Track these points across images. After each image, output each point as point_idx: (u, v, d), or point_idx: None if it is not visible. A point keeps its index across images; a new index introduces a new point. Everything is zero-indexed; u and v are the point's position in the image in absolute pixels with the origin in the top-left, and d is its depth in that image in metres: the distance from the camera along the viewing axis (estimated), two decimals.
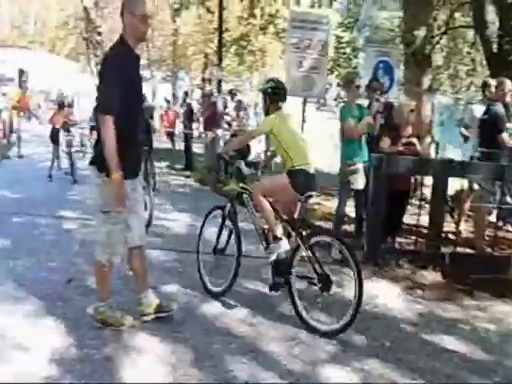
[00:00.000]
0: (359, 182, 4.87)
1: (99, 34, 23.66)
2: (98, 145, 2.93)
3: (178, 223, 6.26)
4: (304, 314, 3.39)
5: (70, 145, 10.01)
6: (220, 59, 9.90)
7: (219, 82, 9.67)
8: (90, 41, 23.84)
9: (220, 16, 10.27)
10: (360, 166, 4.92)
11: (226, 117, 9.55)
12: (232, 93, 10.95)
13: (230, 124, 9.31)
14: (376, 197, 4.72)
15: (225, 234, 3.96)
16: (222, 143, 9.45)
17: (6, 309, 3.38)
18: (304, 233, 3.57)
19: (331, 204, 7.74)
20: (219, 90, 9.63)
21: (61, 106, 12.09)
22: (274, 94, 3.83)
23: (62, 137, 10.09)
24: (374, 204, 4.74)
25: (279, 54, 17.01)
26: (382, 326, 3.56)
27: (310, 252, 3.37)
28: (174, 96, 26.32)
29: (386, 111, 5.35)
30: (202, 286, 3.97)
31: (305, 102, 7.37)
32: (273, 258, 3.59)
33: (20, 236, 5.20)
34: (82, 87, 37.66)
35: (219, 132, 9.32)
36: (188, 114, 10.99)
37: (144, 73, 39.73)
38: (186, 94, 11.54)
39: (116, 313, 3.22)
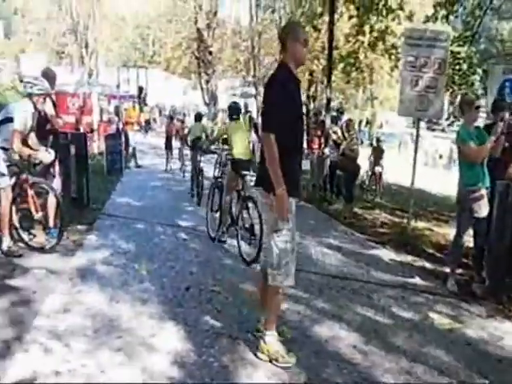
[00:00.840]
0: (483, 209, 4.55)
1: (210, 53, 25.09)
2: (262, 165, 3.04)
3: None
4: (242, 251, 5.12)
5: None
6: (329, 77, 9.91)
7: (328, 101, 9.68)
8: (202, 60, 25.31)
9: (331, 33, 10.30)
10: (484, 192, 4.61)
11: (333, 135, 9.52)
12: (339, 111, 10.91)
13: (336, 143, 9.27)
14: (501, 226, 4.40)
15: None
16: (328, 162, 9.46)
17: (135, 310, 3.68)
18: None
19: (443, 230, 7.37)
20: (328, 109, 9.64)
21: (171, 118, 13.83)
22: (230, 110, 6.12)
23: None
24: (498, 234, 4.41)
25: (387, 71, 16.63)
26: (508, 369, 3.28)
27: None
28: None
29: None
30: (313, 307, 3.99)
31: (418, 122, 7.10)
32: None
33: (142, 242, 5.62)
34: (192, 102, 40.38)
35: (326, 151, 9.32)
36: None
37: (250, 89, 41.29)
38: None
39: (281, 347, 3.11)
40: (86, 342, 3.13)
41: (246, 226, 5.43)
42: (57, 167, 5.26)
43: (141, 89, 34.54)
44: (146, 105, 32.31)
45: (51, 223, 5.22)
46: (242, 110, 12.36)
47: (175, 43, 25.32)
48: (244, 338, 3.36)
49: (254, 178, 3.36)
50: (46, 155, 4.69)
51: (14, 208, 4.66)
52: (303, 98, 28.47)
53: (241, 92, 45.73)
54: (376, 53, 13.50)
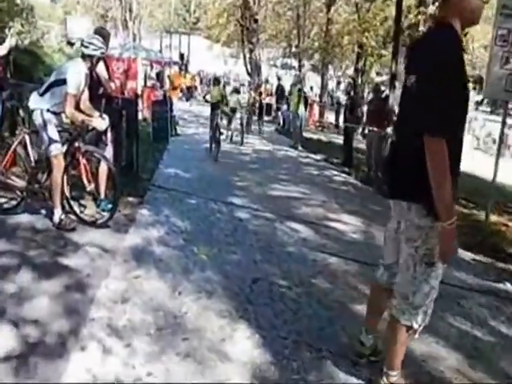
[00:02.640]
0: None
1: (256, 21, 24.06)
2: (412, 173, 2.17)
3: (351, 227, 5.74)
4: None
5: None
6: (397, 48, 9.01)
7: (394, 76, 8.82)
8: (247, 28, 24.33)
9: (399, 3, 9.36)
10: None
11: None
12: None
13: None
14: None
15: None
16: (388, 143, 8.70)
17: (201, 304, 3.22)
18: None
19: None
20: (392, 85, 8.80)
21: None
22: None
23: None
24: None
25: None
26: None
27: None
28: (323, 87, 25.92)
29: None
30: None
31: (506, 105, 6.26)
32: None
33: (197, 221, 5.16)
34: (234, 71, 39.62)
35: (389, 131, 8.55)
36: (350, 108, 10.38)
37: (291, 61, 40.05)
38: (352, 87, 10.84)
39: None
40: (149, 343, 2.69)
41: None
42: (109, 134, 4.80)
43: (182, 56, 34.06)
44: (187, 72, 31.82)
45: (102, 194, 4.82)
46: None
47: (220, 10, 24.37)
48: (328, 350, 2.84)
49: None
50: (100, 122, 4.22)
51: (65, 177, 4.24)
52: (351, 71, 27.37)
53: (281, 63, 44.63)
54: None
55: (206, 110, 15.01)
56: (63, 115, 4.12)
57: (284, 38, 28.74)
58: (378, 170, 9.09)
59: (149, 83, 18.10)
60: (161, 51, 29.13)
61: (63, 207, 4.35)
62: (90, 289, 3.22)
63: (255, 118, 22.06)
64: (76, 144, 4.18)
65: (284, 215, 5.86)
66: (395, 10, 9.41)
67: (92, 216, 4.61)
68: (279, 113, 18.70)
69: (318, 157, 11.85)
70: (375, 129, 9.35)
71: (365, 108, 24.68)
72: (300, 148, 12.88)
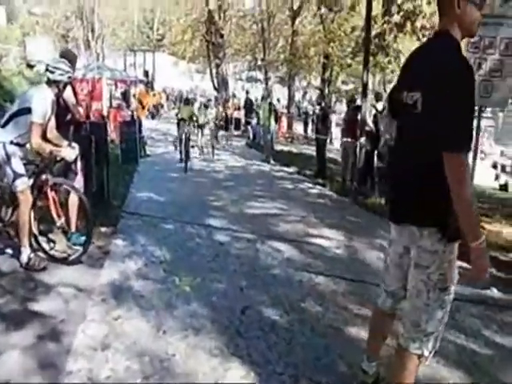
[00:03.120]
0: None
1: (221, 36, 24.11)
2: (424, 195, 2.05)
3: (333, 243, 5.62)
4: None
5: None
6: (367, 58, 9.00)
7: (365, 85, 8.83)
8: (212, 43, 24.33)
9: (369, 6, 9.37)
10: None
11: (368, 125, 8.74)
12: (376, 98, 10.01)
13: (370, 133, 8.53)
14: None
15: None
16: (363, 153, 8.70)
17: (188, 343, 2.99)
18: None
19: (500, 227, 6.66)
20: (364, 94, 8.81)
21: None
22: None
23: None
24: None
25: None
26: None
27: None
28: (290, 98, 26.05)
29: None
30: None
31: (479, 111, 6.32)
32: None
33: (175, 248, 4.92)
34: (200, 87, 39.48)
35: (362, 140, 8.55)
36: (322, 118, 10.35)
37: (256, 74, 40.23)
38: (322, 97, 10.82)
39: None
40: None
41: None
42: (79, 163, 4.54)
43: (147, 73, 33.70)
44: (152, 89, 31.44)
45: (73, 227, 4.54)
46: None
47: (184, 26, 24.31)
48: (328, 383, 2.68)
49: None
50: (69, 151, 3.96)
51: (32, 212, 3.95)
52: (317, 82, 27.66)
53: (246, 76, 44.78)
54: (403, 34, 12.64)
55: (174, 128, 14.82)
56: (28, 146, 3.84)
57: (249, 52, 28.81)
58: (354, 179, 9.07)
59: (114, 103, 17.73)
60: (125, 70, 28.74)
61: (31, 245, 4.05)
62: (65, 336, 2.95)
63: (224, 132, 22.03)
64: (43, 176, 3.91)
65: (264, 234, 5.70)
66: (365, 20, 9.47)
67: (63, 252, 4.32)
68: (249, 127, 18.63)
69: (291, 169, 11.79)
70: (349, 139, 9.36)
71: (333, 118, 25.03)
72: (272, 161, 12.79)
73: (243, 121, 21.20)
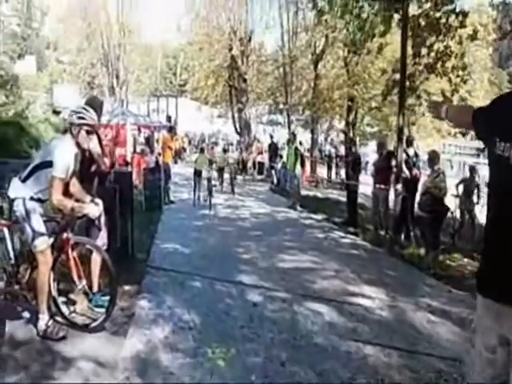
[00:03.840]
0: None
1: (244, 80, 24.38)
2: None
3: (376, 303, 5.11)
4: None
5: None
6: (402, 101, 8.67)
7: (401, 130, 8.49)
8: (235, 87, 24.59)
9: (403, 48, 9.12)
10: None
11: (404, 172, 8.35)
12: (407, 141, 9.63)
13: (404, 181, 8.16)
14: None
15: None
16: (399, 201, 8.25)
17: None
18: None
19: None
20: (400, 139, 8.45)
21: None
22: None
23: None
24: None
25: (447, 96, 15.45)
26: None
27: None
28: (313, 141, 25.89)
29: None
30: None
31: None
32: None
33: (205, 310, 4.48)
34: (222, 131, 39.92)
35: (399, 188, 8.10)
36: (353, 164, 9.99)
37: (277, 117, 40.47)
38: (353, 142, 10.47)
39: None
40: None
41: None
42: (103, 218, 4.20)
43: (169, 118, 34.25)
44: (175, 134, 31.79)
45: (95, 287, 4.17)
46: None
47: (208, 71, 24.68)
48: None
49: None
50: (93, 208, 3.62)
51: (51, 274, 3.60)
52: (341, 125, 27.54)
53: (267, 119, 45.18)
54: (435, 76, 12.30)
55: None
56: (49, 203, 3.53)
57: (271, 96, 29.01)
58: (388, 228, 8.57)
59: (138, 149, 17.78)
60: (148, 115, 29.23)
61: (49, 308, 3.68)
62: None
63: (248, 177, 21.86)
64: (64, 235, 3.57)
65: (300, 293, 5.22)
66: (400, 62, 9.22)
67: (84, 315, 3.93)
68: (273, 171, 18.37)
69: (319, 217, 11.34)
70: (382, 186, 8.94)
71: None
72: (299, 208, 12.37)
73: (267, 165, 21.01)
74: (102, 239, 4.19)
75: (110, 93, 35.01)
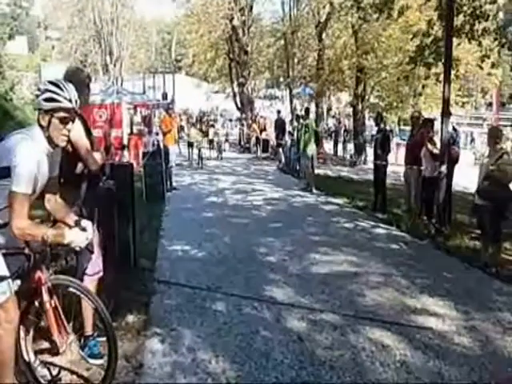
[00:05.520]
0: None
1: (246, 53, 22.88)
2: None
3: (448, 324, 4.02)
4: None
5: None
6: (449, 69, 7.38)
7: (447, 101, 7.21)
8: (237, 61, 23.10)
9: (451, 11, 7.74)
10: None
11: (429, 146, 7.17)
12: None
13: (433, 155, 7.01)
14: None
15: None
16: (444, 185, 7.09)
17: None
18: None
19: None
20: (444, 113, 7.17)
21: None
22: None
23: None
24: None
25: (476, 63, 14.08)
26: None
27: None
28: (317, 116, 24.49)
29: None
30: None
31: None
32: None
33: (236, 350, 3.37)
34: (220, 107, 38.41)
35: (443, 169, 6.93)
36: (382, 142, 8.77)
37: (274, 91, 38.96)
38: (381, 117, 9.20)
39: None
40: None
41: None
42: (95, 238, 3.03)
43: (166, 95, 32.71)
44: (174, 112, 30.31)
45: (88, 329, 3.05)
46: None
47: (206, 44, 23.10)
48: None
49: None
50: (76, 235, 2.40)
51: (22, 331, 2.46)
52: (349, 97, 26.08)
53: (264, 94, 43.48)
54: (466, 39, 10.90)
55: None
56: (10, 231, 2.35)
57: (274, 69, 27.45)
58: (433, 217, 7.41)
59: (135, 130, 16.52)
60: (144, 92, 27.76)
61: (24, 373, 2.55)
62: None
63: (252, 155, 20.66)
64: (37, 275, 2.41)
65: (351, 314, 4.11)
66: (445, 21, 7.86)
67: (74, 372, 2.82)
68: (280, 150, 17.12)
69: (340, 201, 10.19)
70: (414, 167, 7.76)
71: (367, 135, 23.41)
72: (315, 191, 11.21)
73: (272, 143, 19.75)
74: (94, 266, 3.05)
75: (104, 71, 33.42)
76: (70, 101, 2.39)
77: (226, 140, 25.11)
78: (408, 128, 31.80)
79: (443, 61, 7.81)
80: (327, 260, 5.77)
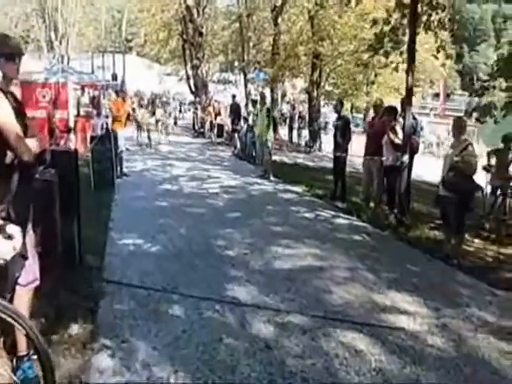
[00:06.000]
0: None
1: (200, 34, 22.10)
2: None
3: (419, 322, 3.83)
4: None
5: None
6: (413, 56, 7.18)
7: (410, 90, 7.03)
8: (191, 43, 22.28)
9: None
10: None
11: (391, 135, 7.04)
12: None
13: (394, 145, 6.91)
14: None
15: None
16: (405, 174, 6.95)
17: None
18: None
19: None
20: (409, 101, 6.98)
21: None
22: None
23: None
24: None
25: (432, 51, 14.14)
26: None
27: None
28: (273, 101, 24.16)
29: None
30: None
31: None
32: None
33: (197, 363, 3.00)
34: (172, 90, 37.27)
35: (405, 159, 6.79)
36: (342, 129, 8.54)
37: (228, 75, 38.25)
38: (341, 104, 8.94)
39: None
40: None
41: None
42: (30, 240, 2.54)
43: (115, 76, 31.27)
44: (123, 94, 29.01)
45: (22, 350, 2.58)
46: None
47: (159, 24, 22.09)
48: None
49: None
50: (1, 246, 1.93)
51: None
52: (305, 84, 25.88)
53: (217, 78, 42.68)
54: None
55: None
56: None
57: (228, 52, 26.79)
58: (394, 206, 7.29)
59: (82, 111, 15.53)
60: (93, 72, 26.35)
61: None
62: None
63: (206, 140, 20.10)
64: None
65: (320, 315, 3.83)
66: (410, 9, 7.65)
67: None
68: (236, 135, 16.67)
69: (299, 189, 9.94)
70: (375, 157, 7.61)
71: (321, 121, 23.34)
72: (272, 178, 10.91)
73: (227, 128, 19.25)
74: (28, 274, 2.56)
75: (48, 48, 31.44)
76: None
77: (175, 123, 24.47)
78: (360, 116, 32.37)
79: (407, 49, 7.62)
80: (290, 253, 5.47)
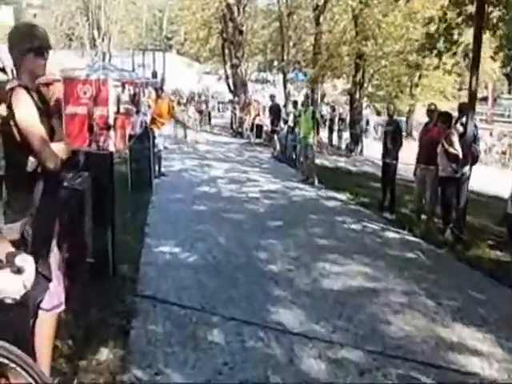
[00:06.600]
0: None
1: (241, 32, 21.78)
2: None
3: (496, 367, 3.27)
4: None
5: None
6: (478, 58, 6.55)
7: (473, 95, 6.36)
8: (231, 41, 21.99)
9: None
10: None
11: (451, 149, 6.38)
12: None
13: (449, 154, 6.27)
14: None
15: None
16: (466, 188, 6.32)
17: None
18: None
19: None
20: (473, 107, 6.35)
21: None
22: None
23: None
24: None
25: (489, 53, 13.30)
26: None
27: None
28: (313, 102, 23.54)
29: None
30: None
31: None
32: None
33: None
34: (211, 88, 37.21)
35: (466, 170, 6.17)
36: (393, 136, 7.93)
37: (266, 75, 37.83)
38: (394, 107, 8.30)
39: None
40: None
41: None
42: (55, 258, 2.19)
43: (155, 74, 31.44)
44: (163, 92, 29.14)
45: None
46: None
47: (199, 22, 21.87)
48: None
49: None
50: (8, 282, 1.54)
51: None
52: (346, 85, 25.18)
53: (255, 77, 42.30)
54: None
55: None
56: None
57: (267, 52, 26.38)
58: (450, 222, 6.66)
59: (122, 108, 15.45)
60: (133, 70, 26.50)
61: None
62: None
63: (244, 140, 19.75)
64: None
65: (378, 351, 3.34)
66: (476, 6, 7.01)
67: None
68: (275, 136, 16.22)
69: (343, 196, 9.40)
70: (430, 166, 6.98)
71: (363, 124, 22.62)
72: (317, 183, 10.39)
73: (266, 128, 18.82)
74: (52, 298, 2.21)
75: (91, 45, 31.93)
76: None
77: (209, 121, 24.39)
78: (403, 119, 31.33)
79: (472, 49, 6.97)
80: (338, 271, 4.99)
